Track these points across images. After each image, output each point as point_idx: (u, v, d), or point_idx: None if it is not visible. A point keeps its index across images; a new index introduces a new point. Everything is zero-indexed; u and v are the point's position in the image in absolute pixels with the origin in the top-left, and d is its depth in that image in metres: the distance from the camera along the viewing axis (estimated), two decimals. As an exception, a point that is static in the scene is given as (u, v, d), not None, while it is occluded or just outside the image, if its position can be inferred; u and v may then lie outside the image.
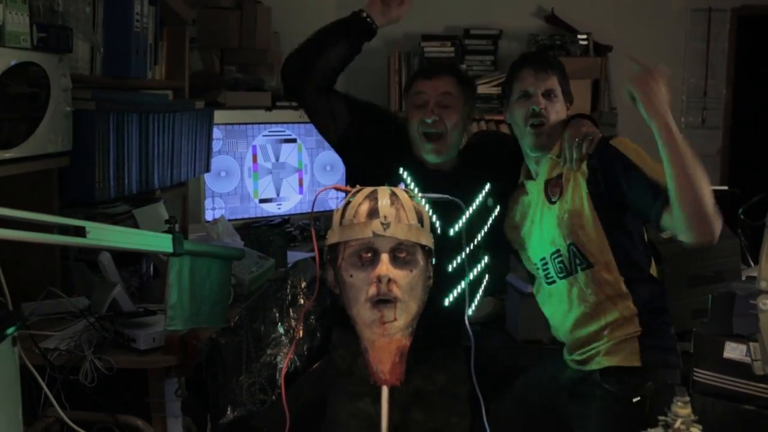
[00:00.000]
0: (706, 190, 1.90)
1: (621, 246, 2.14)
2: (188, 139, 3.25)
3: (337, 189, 1.73)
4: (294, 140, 4.16)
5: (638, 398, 2.07)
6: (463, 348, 2.20)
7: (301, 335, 3.14)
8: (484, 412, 1.85)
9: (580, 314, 2.17)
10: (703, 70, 4.96)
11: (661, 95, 1.87)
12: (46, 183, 2.49)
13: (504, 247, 2.36)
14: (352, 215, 1.63)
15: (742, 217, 2.77)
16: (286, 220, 4.06)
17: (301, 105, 2.33)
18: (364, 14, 2.23)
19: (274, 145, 4.09)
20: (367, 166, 2.18)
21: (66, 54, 2.37)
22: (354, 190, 1.70)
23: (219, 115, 3.69)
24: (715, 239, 1.92)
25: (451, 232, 2.14)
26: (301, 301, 3.25)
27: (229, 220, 3.52)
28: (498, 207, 2.28)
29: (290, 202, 4.15)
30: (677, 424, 1.48)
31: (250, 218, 3.97)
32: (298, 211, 4.15)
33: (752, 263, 2.94)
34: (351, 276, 1.61)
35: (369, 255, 1.61)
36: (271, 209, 4.09)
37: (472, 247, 2.18)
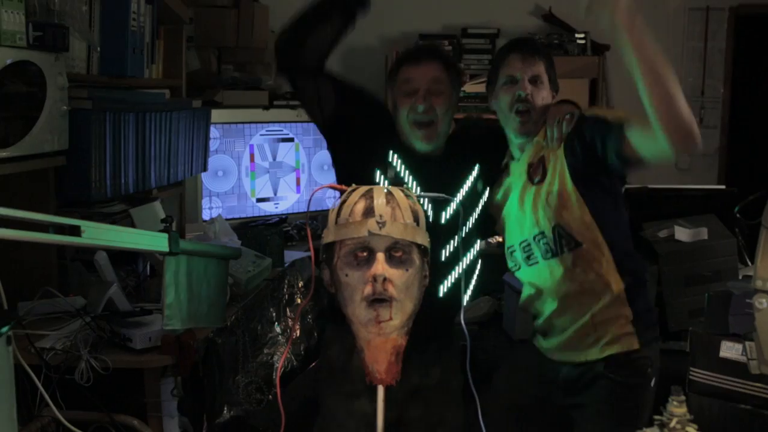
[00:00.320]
0: (678, 88, 1.81)
1: (606, 222, 2.13)
2: (185, 138, 3.24)
3: (333, 188, 1.72)
4: (291, 139, 4.15)
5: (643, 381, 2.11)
6: (456, 340, 2.20)
7: (297, 334, 3.14)
8: (479, 411, 1.84)
9: (569, 293, 2.15)
10: (700, 69, 4.97)
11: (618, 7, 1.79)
12: (42, 182, 2.48)
13: (490, 227, 2.34)
14: (347, 214, 1.62)
15: (738, 215, 2.77)
16: (283, 219, 4.06)
17: (292, 85, 2.25)
18: None
19: (271, 144, 4.08)
20: (355, 152, 2.15)
21: (62, 53, 2.37)
22: (350, 189, 1.70)
23: (216, 114, 3.68)
24: (696, 141, 1.83)
25: (443, 220, 2.13)
26: (299, 301, 3.25)
27: (227, 220, 3.52)
28: (487, 190, 2.27)
29: (287, 201, 4.15)
30: (673, 423, 1.48)
31: (247, 217, 3.97)
32: (296, 211, 4.15)
33: (749, 262, 2.94)
34: (346, 275, 1.61)
35: (365, 254, 1.60)
36: (268, 208, 4.09)
37: (464, 233, 2.16)
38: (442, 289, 2.13)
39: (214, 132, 3.74)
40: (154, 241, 1.78)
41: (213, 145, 3.76)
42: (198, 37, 4.11)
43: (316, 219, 3.93)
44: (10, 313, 1.69)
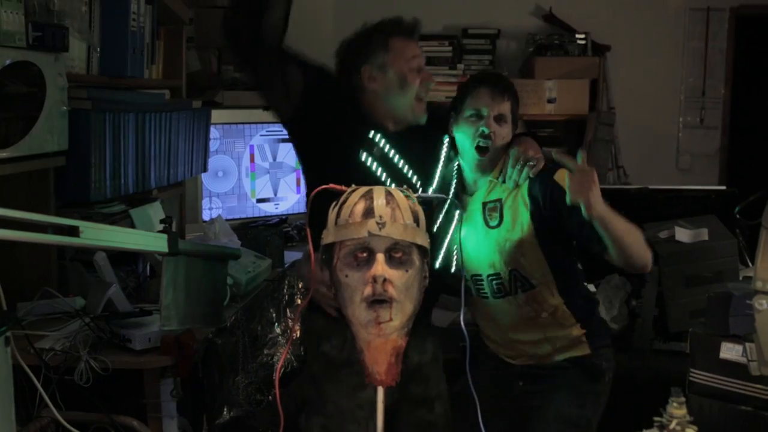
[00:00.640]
0: (639, 244, 2.04)
1: (561, 268, 2.21)
2: (185, 139, 3.24)
3: (333, 189, 1.72)
4: (292, 140, 4.15)
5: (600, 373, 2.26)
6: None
7: (297, 335, 3.14)
8: (479, 411, 1.84)
9: (518, 325, 2.25)
10: (701, 70, 4.96)
11: (597, 195, 1.92)
12: (42, 183, 2.48)
13: None
14: (347, 215, 1.62)
15: (738, 216, 2.76)
16: (283, 219, 4.05)
17: (253, 75, 2.09)
18: None
19: (271, 145, 4.08)
20: (331, 138, 2.08)
21: (62, 53, 2.37)
22: (350, 189, 1.69)
23: (216, 115, 3.68)
24: (648, 269, 2.14)
25: (430, 192, 2.15)
26: (298, 301, 3.25)
27: (227, 220, 3.51)
28: (456, 158, 2.28)
29: (288, 201, 4.15)
30: (672, 425, 1.47)
31: (247, 218, 3.97)
32: (296, 211, 4.15)
33: (750, 263, 2.94)
34: (346, 276, 1.60)
35: (364, 255, 1.60)
36: (268, 209, 4.09)
37: (447, 203, 2.18)
38: (437, 264, 2.15)
39: (214, 132, 3.73)
40: (153, 241, 1.78)
41: (213, 145, 3.76)
42: (198, 38, 4.10)
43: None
44: (9, 313, 1.68)
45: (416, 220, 1.65)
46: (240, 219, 3.92)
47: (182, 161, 3.23)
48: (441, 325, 2.54)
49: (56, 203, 2.54)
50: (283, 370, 2.90)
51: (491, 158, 2.19)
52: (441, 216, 2.16)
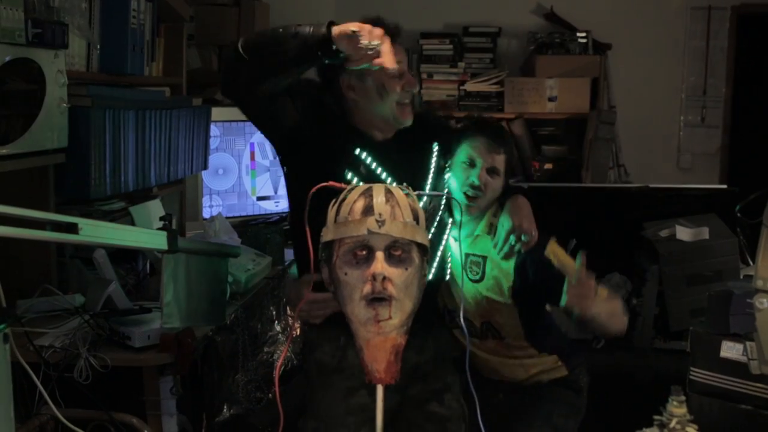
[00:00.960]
0: (617, 324, 2.02)
1: (533, 322, 2.26)
2: (185, 137, 3.24)
3: (333, 186, 1.71)
4: (292, 138, 4.14)
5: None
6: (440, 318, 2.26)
7: (297, 333, 3.13)
8: (478, 408, 1.84)
9: (492, 353, 2.30)
10: (702, 69, 4.96)
11: (593, 301, 1.91)
12: (41, 180, 2.48)
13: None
14: (346, 212, 1.61)
15: (739, 215, 2.76)
16: (283, 217, 4.05)
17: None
18: (334, 47, 1.83)
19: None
20: (318, 159, 2.03)
21: (62, 50, 2.36)
22: (349, 187, 1.69)
23: (216, 112, 3.67)
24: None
25: (420, 204, 2.10)
26: (299, 299, 3.24)
27: (227, 218, 3.51)
28: (450, 162, 2.25)
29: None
30: (673, 423, 1.47)
31: (247, 216, 3.96)
32: (296, 209, 4.14)
33: (751, 262, 2.93)
34: (345, 274, 1.60)
35: (364, 253, 1.59)
36: (268, 207, 4.08)
37: (438, 217, 2.16)
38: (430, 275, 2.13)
39: (214, 130, 3.73)
40: (153, 239, 1.78)
41: (213, 143, 3.75)
42: (198, 35, 4.11)
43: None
44: (8, 311, 1.68)
45: (416, 218, 1.64)
46: (240, 217, 3.91)
47: (182, 159, 3.23)
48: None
49: (56, 200, 2.54)
50: (283, 367, 2.90)
51: (479, 206, 2.21)
52: (434, 226, 2.13)
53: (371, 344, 1.60)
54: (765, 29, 4.91)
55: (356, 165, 2.02)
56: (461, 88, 4.67)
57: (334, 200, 1.66)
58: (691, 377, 2.31)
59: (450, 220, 2.19)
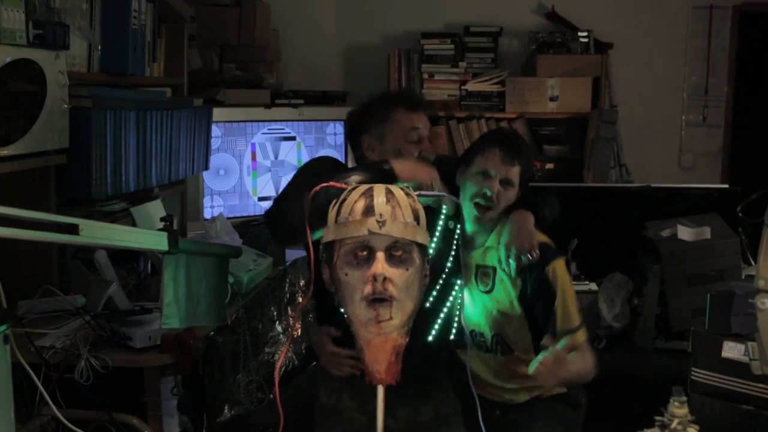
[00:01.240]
0: (584, 380, 2.08)
1: (541, 332, 2.17)
2: (187, 137, 3.24)
3: (333, 187, 1.71)
4: (293, 138, 4.15)
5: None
6: (447, 378, 2.21)
7: (298, 333, 3.14)
8: (480, 414, 1.84)
9: (499, 372, 2.26)
10: (704, 68, 4.95)
11: (555, 379, 1.95)
12: (42, 180, 2.48)
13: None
14: (347, 213, 1.61)
15: (741, 215, 2.76)
16: (285, 217, 4.04)
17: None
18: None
19: (273, 143, 4.08)
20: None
21: (63, 51, 2.36)
22: (350, 187, 1.69)
23: (218, 113, 3.68)
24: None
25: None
26: (300, 300, 3.25)
27: (228, 218, 3.51)
28: (458, 226, 2.21)
29: (289, 200, 4.14)
30: (674, 424, 1.47)
31: (248, 216, 3.96)
32: (298, 209, 4.14)
33: (752, 261, 2.93)
34: (346, 274, 1.60)
35: (364, 253, 1.59)
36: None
37: (444, 276, 2.13)
38: (431, 337, 2.11)
39: (215, 130, 3.73)
40: (153, 239, 1.78)
41: (214, 143, 3.75)
42: (200, 36, 4.10)
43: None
44: (9, 311, 1.68)
45: (416, 219, 1.64)
46: (241, 217, 3.91)
47: (183, 159, 3.23)
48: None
49: (57, 201, 2.54)
50: (283, 368, 2.90)
51: (491, 218, 2.17)
52: (439, 285, 2.11)
53: (372, 345, 1.60)
54: (766, 28, 4.90)
55: None
56: (462, 87, 4.67)
57: (335, 201, 1.66)
58: (693, 377, 2.31)
59: (458, 227, 2.18)
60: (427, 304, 2.05)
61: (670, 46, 4.93)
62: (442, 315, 2.12)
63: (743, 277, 2.83)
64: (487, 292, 2.20)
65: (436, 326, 2.10)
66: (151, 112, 2.89)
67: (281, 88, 4.43)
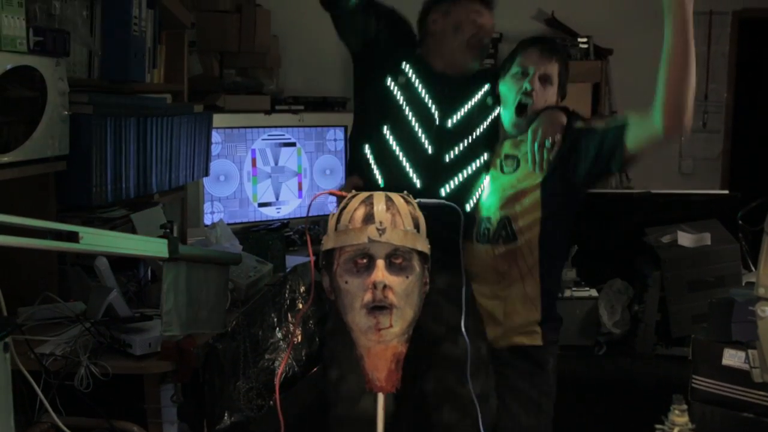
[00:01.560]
0: (693, 76, 1.89)
1: (549, 227, 2.19)
2: (187, 143, 3.24)
3: (333, 194, 1.72)
4: (293, 144, 4.15)
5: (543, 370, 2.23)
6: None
7: (299, 340, 3.13)
8: (479, 414, 1.84)
9: (488, 278, 2.23)
10: (704, 74, 4.95)
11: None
12: (43, 187, 2.48)
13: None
14: (347, 221, 1.61)
15: (741, 222, 2.76)
16: (285, 224, 4.05)
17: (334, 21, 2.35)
18: None
19: (273, 149, 4.08)
20: (375, 65, 2.28)
21: (63, 58, 2.37)
22: (350, 195, 1.69)
23: (218, 119, 3.68)
24: (686, 129, 1.95)
25: (449, 124, 2.24)
26: (300, 306, 3.24)
27: (228, 224, 3.51)
28: (497, 107, 2.32)
29: (289, 206, 4.15)
30: (675, 432, 1.47)
31: (249, 222, 3.96)
32: (297, 216, 4.15)
33: (753, 267, 2.93)
34: (346, 282, 1.60)
35: (364, 261, 1.59)
36: (270, 213, 4.08)
37: (470, 141, 2.26)
38: (444, 191, 2.20)
39: (215, 136, 3.73)
40: (154, 246, 1.78)
41: (215, 149, 3.75)
42: (200, 42, 4.11)
43: (318, 224, 3.92)
44: (9, 319, 1.68)
45: (416, 226, 1.64)
46: (241, 223, 3.91)
47: (184, 165, 3.23)
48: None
49: (57, 208, 2.54)
50: (284, 375, 2.89)
51: (529, 121, 2.20)
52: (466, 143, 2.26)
53: (372, 352, 1.60)
54: (766, 34, 4.91)
55: (399, 73, 2.23)
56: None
57: (334, 209, 1.66)
58: (693, 385, 2.30)
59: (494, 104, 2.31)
60: (447, 159, 2.21)
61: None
62: (465, 174, 2.23)
63: (743, 283, 2.82)
64: (509, 173, 2.23)
65: (459, 179, 2.21)
66: (152, 119, 2.89)
67: (281, 95, 4.44)
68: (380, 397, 1.63)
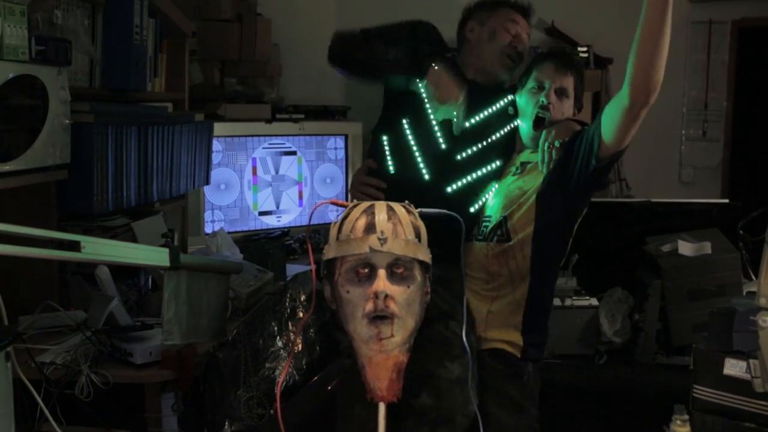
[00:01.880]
0: (665, 50, 1.99)
1: (543, 233, 2.20)
2: (188, 152, 3.24)
3: (335, 204, 1.72)
4: (294, 153, 4.15)
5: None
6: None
7: (299, 348, 3.12)
8: (481, 426, 1.84)
9: (478, 277, 2.25)
10: (703, 83, 4.96)
11: None
12: (44, 196, 2.48)
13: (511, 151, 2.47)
14: (348, 230, 1.62)
15: (741, 232, 2.76)
16: (285, 232, 4.05)
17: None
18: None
19: (273, 158, 4.08)
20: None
21: (65, 66, 2.37)
22: (351, 204, 1.69)
23: (219, 128, 3.69)
24: (651, 100, 1.98)
25: (467, 124, 2.29)
26: (301, 315, 3.23)
27: (229, 233, 3.51)
28: (516, 119, 2.37)
29: (290, 214, 4.15)
30: (676, 442, 1.47)
31: (249, 231, 3.97)
32: (298, 224, 4.15)
33: (753, 277, 2.93)
34: (348, 292, 1.60)
35: (366, 270, 1.60)
36: (270, 222, 4.08)
37: (484, 144, 2.32)
38: (451, 189, 2.26)
39: (216, 145, 3.74)
40: (155, 255, 1.78)
41: (215, 158, 3.76)
42: (201, 51, 4.11)
43: (319, 232, 3.92)
44: (10, 328, 1.68)
45: (418, 236, 1.65)
46: (242, 232, 3.92)
47: (185, 174, 3.23)
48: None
49: (58, 216, 2.54)
50: (284, 383, 2.89)
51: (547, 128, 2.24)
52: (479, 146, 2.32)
53: (373, 362, 1.60)
54: (766, 43, 4.91)
55: (424, 72, 2.28)
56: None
57: (336, 219, 1.67)
58: (695, 395, 2.30)
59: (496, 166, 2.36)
60: (459, 158, 2.27)
61: (669, 61, 4.88)
62: (473, 176, 2.29)
63: (744, 293, 2.82)
64: (519, 175, 2.27)
65: (466, 180, 2.27)
66: (153, 127, 2.90)
67: (282, 103, 4.44)
68: (381, 407, 1.63)
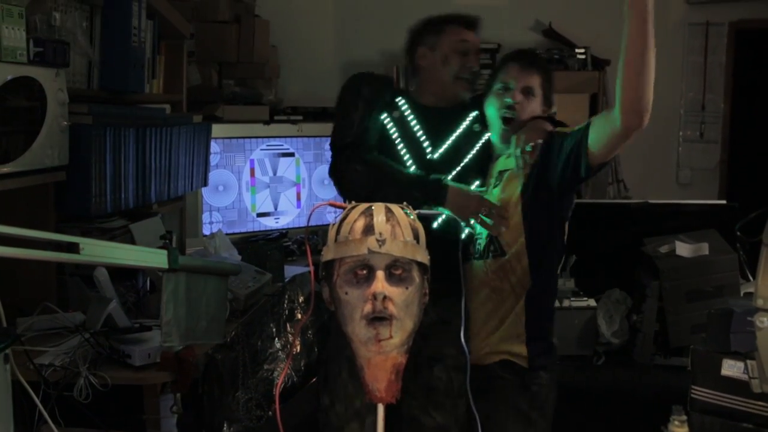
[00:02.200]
0: (652, 69, 1.87)
1: (536, 238, 2.19)
2: (186, 153, 3.25)
3: (333, 205, 1.72)
4: (292, 154, 4.16)
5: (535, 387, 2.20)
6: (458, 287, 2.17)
7: (298, 350, 3.13)
8: (477, 415, 1.84)
9: (480, 295, 2.23)
10: (701, 84, 4.97)
11: None
12: (42, 197, 2.48)
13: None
14: (347, 232, 1.62)
15: (738, 233, 2.77)
16: (283, 234, 4.05)
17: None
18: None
19: (272, 159, 4.09)
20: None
21: (63, 68, 2.37)
22: (350, 206, 1.69)
23: (217, 129, 3.69)
24: (644, 123, 1.97)
25: (437, 155, 2.29)
26: (299, 316, 3.24)
27: (227, 235, 3.51)
28: (485, 132, 2.34)
29: (288, 216, 4.15)
30: (674, 443, 1.47)
31: (247, 232, 3.97)
32: (296, 226, 4.15)
33: (751, 277, 2.93)
34: (346, 293, 1.60)
35: (364, 272, 1.59)
36: (268, 223, 4.09)
37: (459, 169, 2.29)
38: (436, 224, 2.22)
39: (214, 147, 3.74)
40: (153, 257, 1.78)
41: (213, 159, 3.76)
42: (199, 52, 4.12)
43: (317, 234, 3.93)
44: (9, 331, 1.68)
45: (416, 237, 1.65)
46: (240, 233, 3.92)
47: (183, 175, 3.23)
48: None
49: (56, 218, 2.54)
50: (283, 385, 2.89)
51: (515, 130, 2.21)
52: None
53: (372, 363, 1.60)
54: (763, 45, 4.93)
55: (392, 109, 2.30)
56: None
57: (334, 220, 1.67)
58: (692, 396, 2.30)
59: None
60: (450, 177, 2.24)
61: (666, 63, 4.94)
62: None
63: (742, 294, 2.83)
64: (499, 187, 2.24)
65: (447, 213, 2.20)
66: (151, 129, 2.90)
67: (280, 105, 4.45)
68: (380, 408, 1.63)
